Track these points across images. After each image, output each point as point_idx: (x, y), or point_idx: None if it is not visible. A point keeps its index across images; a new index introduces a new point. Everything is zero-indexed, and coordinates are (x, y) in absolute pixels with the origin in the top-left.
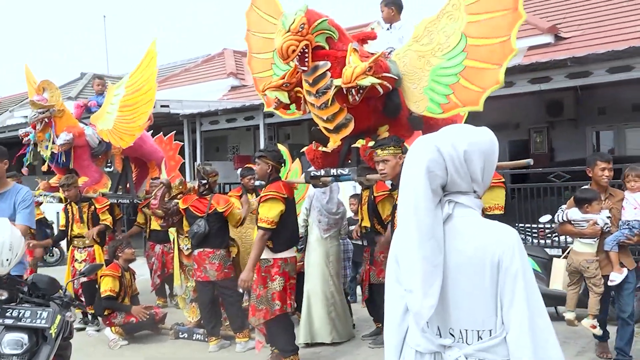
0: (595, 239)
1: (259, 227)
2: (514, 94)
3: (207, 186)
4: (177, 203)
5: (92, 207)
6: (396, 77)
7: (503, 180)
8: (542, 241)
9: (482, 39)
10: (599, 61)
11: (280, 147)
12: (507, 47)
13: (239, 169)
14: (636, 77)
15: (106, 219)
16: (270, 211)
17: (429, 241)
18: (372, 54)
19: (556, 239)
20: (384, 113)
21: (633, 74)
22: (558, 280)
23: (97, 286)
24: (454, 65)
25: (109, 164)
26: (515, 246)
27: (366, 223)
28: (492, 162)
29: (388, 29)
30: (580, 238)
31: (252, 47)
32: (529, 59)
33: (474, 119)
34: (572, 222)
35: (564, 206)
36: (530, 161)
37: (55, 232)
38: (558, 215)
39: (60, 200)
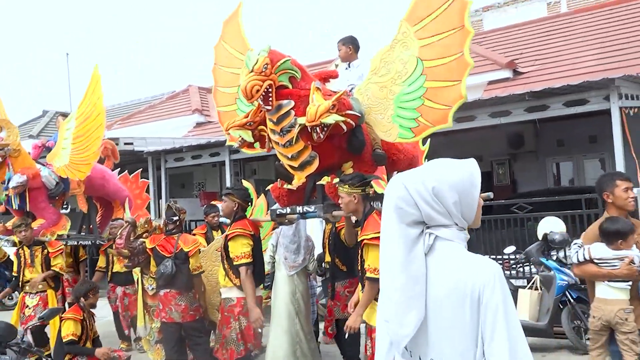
0: (629, 283)
1: (240, 265)
2: (476, 127)
3: (177, 223)
4: (143, 242)
5: (45, 250)
6: (359, 114)
7: None
8: (507, 272)
9: (437, 59)
10: (555, 95)
11: (246, 183)
12: (463, 62)
13: (204, 206)
14: (591, 110)
15: (58, 264)
16: (243, 247)
17: (401, 273)
18: (335, 92)
19: (521, 269)
20: (348, 150)
21: (588, 107)
22: (524, 311)
23: (49, 330)
24: (416, 89)
25: (66, 205)
26: (495, 279)
27: (328, 258)
28: (470, 195)
29: (347, 68)
30: (610, 281)
31: (219, 80)
32: (489, 93)
33: (435, 152)
34: (598, 261)
35: (578, 240)
36: (490, 195)
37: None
38: (575, 253)
39: (14, 244)
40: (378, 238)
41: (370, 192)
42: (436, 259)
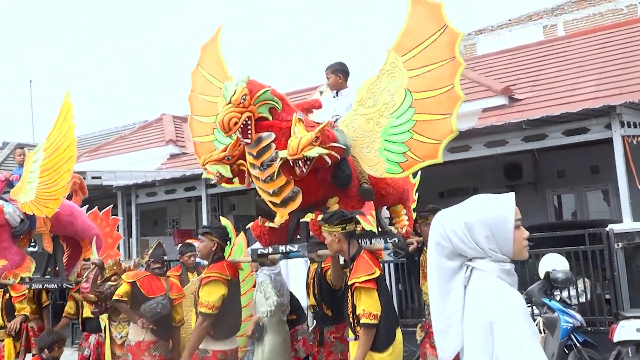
0: None
1: (200, 313)
2: (471, 158)
3: (163, 264)
4: (112, 286)
5: (7, 294)
6: (344, 147)
7: None
8: None
9: (426, 91)
10: (553, 123)
11: (224, 221)
12: (454, 95)
13: (179, 245)
14: (592, 139)
15: (23, 308)
16: (211, 295)
17: (440, 304)
18: (318, 123)
19: None
20: (333, 184)
21: (589, 136)
22: None
23: None
24: (405, 122)
25: (33, 243)
26: (514, 312)
27: (312, 301)
28: (503, 229)
29: (335, 97)
30: None
31: (195, 108)
32: (484, 121)
33: (428, 184)
34: None
35: None
36: None
37: None
38: None
39: None
40: (371, 281)
41: (358, 228)
42: (471, 289)
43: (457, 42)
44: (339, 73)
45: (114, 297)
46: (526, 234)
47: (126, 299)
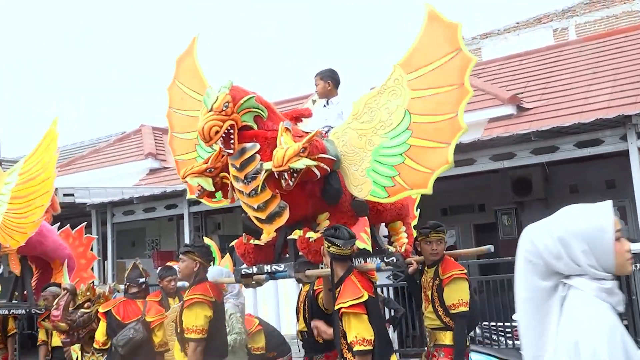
0: None
1: (189, 340)
2: (476, 172)
3: (143, 287)
4: (84, 314)
5: None
6: (334, 158)
7: (465, 271)
8: (517, 342)
9: (427, 115)
10: (565, 134)
11: (208, 241)
12: (455, 124)
13: (159, 268)
14: (607, 152)
15: None
16: (198, 318)
17: (534, 332)
18: (307, 133)
19: None
20: (322, 199)
21: (603, 148)
22: None
23: None
24: (398, 145)
25: None
26: (602, 334)
27: (302, 326)
28: (601, 242)
29: (325, 105)
30: None
31: (174, 126)
32: (490, 132)
33: (430, 200)
34: None
35: None
36: (491, 248)
37: None
38: None
39: None
40: (358, 305)
41: (353, 249)
42: (566, 309)
43: (468, 68)
44: (328, 80)
45: (95, 346)
46: (628, 245)
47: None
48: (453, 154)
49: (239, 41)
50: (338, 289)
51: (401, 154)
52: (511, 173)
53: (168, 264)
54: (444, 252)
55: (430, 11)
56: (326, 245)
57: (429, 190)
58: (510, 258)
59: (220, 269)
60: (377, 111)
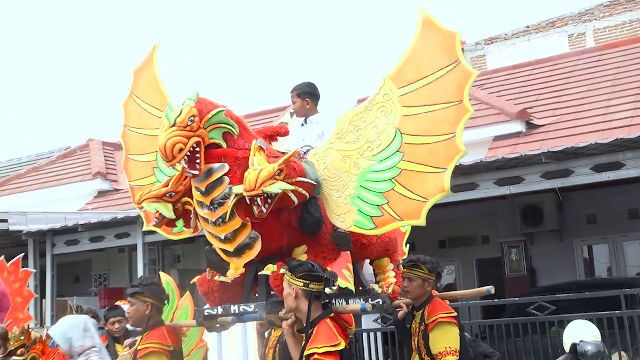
0: None
1: None
2: (479, 198)
3: None
4: None
5: None
6: (314, 183)
7: (454, 314)
8: None
9: (421, 136)
10: (581, 156)
11: (164, 276)
12: (453, 146)
13: (105, 309)
14: (629, 177)
15: None
16: None
17: None
18: (283, 153)
19: None
20: (300, 229)
21: (624, 173)
22: None
23: None
24: (388, 168)
25: None
26: None
27: None
28: None
29: (303, 124)
30: None
31: (130, 146)
32: (495, 152)
33: (425, 230)
34: None
35: None
36: (490, 289)
37: None
38: None
39: None
40: (333, 354)
41: (334, 288)
42: None
43: (468, 83)
44: (306, 97)
45: None
46: None
47: None
48: (450, 180)
49: (205, 48)
50: (310, 331)
51: (391, 180)
52: (519, 200)
53: (118, 303)
54: (437, 292)
55: (424, 17)
56: (301, 284)
57: (421, 221)
58: (517, 299)
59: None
60: (364, 130)
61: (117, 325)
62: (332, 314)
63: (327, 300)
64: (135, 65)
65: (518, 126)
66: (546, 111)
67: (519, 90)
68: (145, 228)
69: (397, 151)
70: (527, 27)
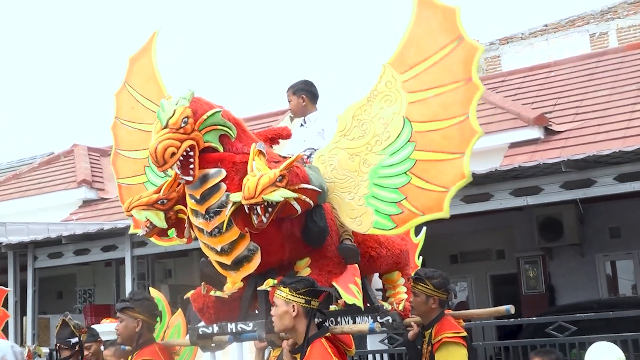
0: None
1: None
2: (494, 210)
3: (76, 348)
4: None
5: None
6: (319, 190)
7: (463, 334)
8: None
9: (432, 122)
10: (603, 165)
11: (155, 292)
12: (467, 128)
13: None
14: None
15: None
16: None
17: None
18: (285, 157)
19: None
20: (303, 240)
21: None
22: None
23: None
24: (401, 161)
25: None
26: None
27: None
28: None
29: (302, 125)
30: None
31: (120, 140)
32: (511, 160)
33: (436, 244)
34: None
35: None
36: (511, 308)
37: None
38: None
39: None
40: None
41: (339, 304)
42: None
43: (474, 59)
44: (302, 93)
45: None
46: None
47: None
48: (469, 165)
49: (205, 44)
50: (305, 350)
51: (406, 173)
52: (537, 212)
53: (104, 321)
54: (450, 311)
55: None
56: (302, 301)
57: (445, 213)
58: (535, 318)
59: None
60: (370, 123)
61: (93, 348)
62: (327, 334)
63: (322, 319)
64: (131, 53)
65: (536, 132)
66: (566, 116)
67: (536, 93)
68: (132, 230)
69: (408, 141)
70: (546, 26)
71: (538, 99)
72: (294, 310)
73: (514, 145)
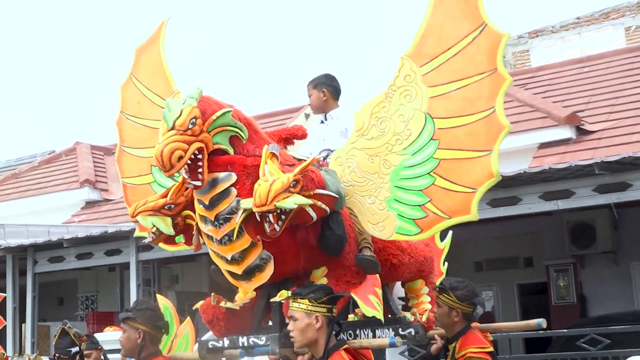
0: None
1: None
2: (522, 215)
3: (77, 358)
4: None
5: None
6: (336, 195)
7: (489, 349)
8: None
9: (455, 117)
10: (639, 167)
11: (162, 299)
12: (494, 123)
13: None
14: None
15: None
16: None
17: None
18: (300, 159)
19: None
20: (319, 249)
21: None
22: None
23: None
24: (424, 161)
25: None
26: None
27: None
28: None
29: (323, 121)
30: None
31: (126, 137)
32: (540, 161)
33: (460, 251)
34: None
35: None
36: (542, 322)
37: None
38: None
39: None
40: None
41: (358, 314)
42: None
43: (499, 47)
44: (324, 87)
45: None
46: None
47: None
48: (497, 163)
49: (215, 38)
50: None
51: (429, 173)
52: (568, 217)
53: (107, 329)
54: (477, 323)
55: None
56: (324, 310)
57: (473, 215)
58: (565, 330)
59: None
60: (389, 121)
61: (95, 355)
62: (346, 346)
63: (338, 330)
64: (137, 44)
65: (567, 132)
66: (599, 115)
67: (568, 90)
68: (137, 234)
69: (431, 139)
70: (578, 18)
71: (569, 97)
72: (317, 322)
73: (543, 145)
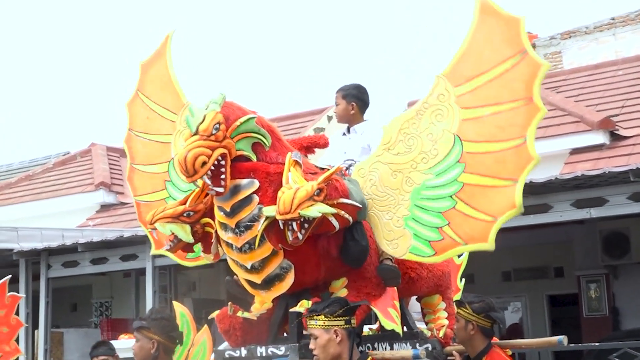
0: None
1: None
2: (552, 223)
3: None
4: None
5: None
6: (360, 205)
7: None
8: None
9: (485, 142)
10: None
11: (178, 306)
12: (523, 154)
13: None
14: None
15: None
16: None
17: None
18: (322, 168)
19: None
20: (340, 259)
21: None
22: None
23: None
24: (447, 183)
25: None
26: None
27: None
28: None
29: (345, 133)
30: None
31: (136, 154)
32: (572, 167)
33: (487, 260)
34: None
35: None
36: (563, 340)
37: None
38: None
39: None
40: None
41: (373, 328)
42: None
43: (537, 77)
44: (353, 100)
45: None
46: None
47: None
48: (522, 195)
49: (228, 42)
50: None
51: (451, 196)
52: (601, 226)
53: (122, 336)
54: (496, 339)
55: (482, 2)
56: (343, 322)
57: (490, 245)
58: (597, 344)
59: None
60: (417, 139)
61: None
62: (370, 358)
63: (358, 340)
64: (142, 59)
65: (600, 137)
66: (634, 120)
67: (601, 94)
68: (153, 252)
69: (458, 162)
70: (613, 19)
71: (603, 100)
72: (337, 336)
73: (576, 151)
